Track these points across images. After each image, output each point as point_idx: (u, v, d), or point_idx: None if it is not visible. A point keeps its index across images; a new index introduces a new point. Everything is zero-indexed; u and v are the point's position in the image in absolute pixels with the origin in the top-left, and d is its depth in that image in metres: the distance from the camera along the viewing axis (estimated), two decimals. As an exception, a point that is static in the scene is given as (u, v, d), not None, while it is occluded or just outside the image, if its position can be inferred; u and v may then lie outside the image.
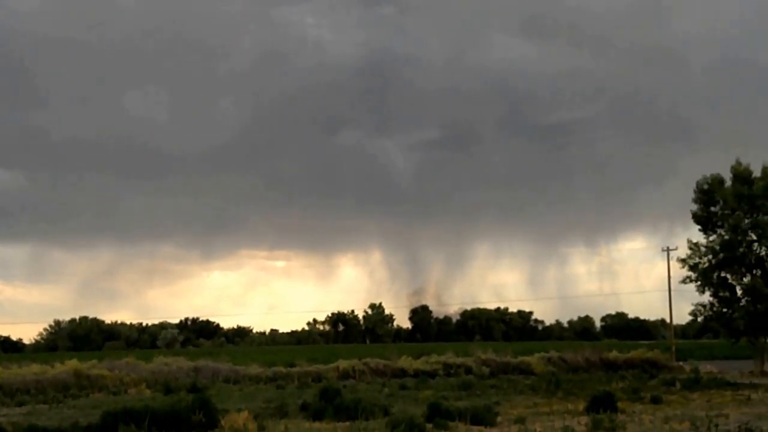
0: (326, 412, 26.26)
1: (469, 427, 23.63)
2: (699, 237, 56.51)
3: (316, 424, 24.79)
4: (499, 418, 25.45)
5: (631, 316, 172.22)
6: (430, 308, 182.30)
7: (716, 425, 21.16)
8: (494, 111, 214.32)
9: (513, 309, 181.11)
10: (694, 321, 63.81)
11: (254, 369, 54.51)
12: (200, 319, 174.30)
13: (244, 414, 23.83)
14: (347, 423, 24.65)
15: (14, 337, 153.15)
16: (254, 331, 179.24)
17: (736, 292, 55.59)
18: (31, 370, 48.68)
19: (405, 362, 57.00)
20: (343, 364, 55.05)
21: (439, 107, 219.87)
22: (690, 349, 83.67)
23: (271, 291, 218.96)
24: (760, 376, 50.49)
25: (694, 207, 56.39)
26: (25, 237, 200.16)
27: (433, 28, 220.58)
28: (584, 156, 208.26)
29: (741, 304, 54.95)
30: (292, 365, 56.28)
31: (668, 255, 69.87)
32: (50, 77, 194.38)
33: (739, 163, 55.50)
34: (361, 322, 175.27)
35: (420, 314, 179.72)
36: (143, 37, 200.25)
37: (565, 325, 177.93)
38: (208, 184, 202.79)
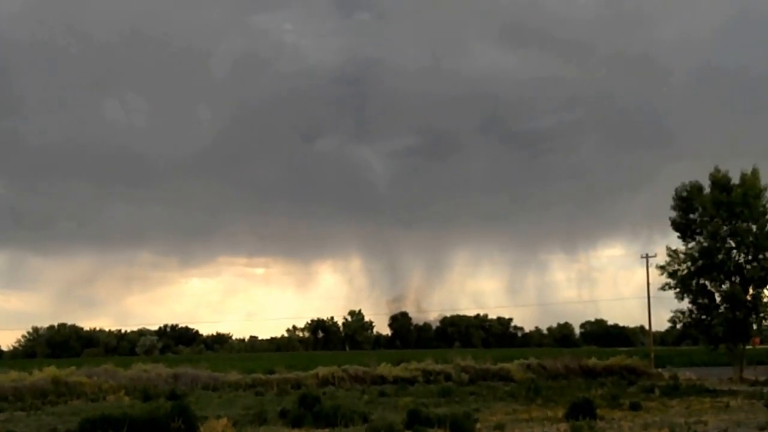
0: (305, 419, 26.19)
1: (448, 434, 23.58)
2: (678, 244, 56.83)
3: (296, 431, 24.75)
4: (478, 425, 25.42)
5: (610, 323, 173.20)
6: (410, 315, 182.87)
7: (695, 432, 21.26)
8: (473, 118, 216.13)
9: (492, 316, 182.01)
10: (673, 328, 63.89)
11: (233, 376, 54.21)
12: (179, 326, 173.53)
13: (223, 421, 23.74)
14: (326, 430, 24.67)
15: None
16: (233, 337, 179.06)
17: (714, 299, 55.78)
18: (9, 377, 48.14)
19: (384, 369, 56.81)
20: (322, 371, 54.79)
21: (418, 114, 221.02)
22: (669, 355, 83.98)
23: (251, 298, 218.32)
24: (739, 382, 50.65)
25: (673, 214, 56.61)
26: (3, 244, 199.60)
27: (411, 35, 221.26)
28: (563, 163, 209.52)
29: (720, 311, 55.10)
30: (271, 372, 56.03)
31: (647, 262, 70.29)
32: (27, 82, 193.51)
33: (717, 171, 55.77)
34: (341, 329, 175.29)
35: (399, 321, 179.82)
36: (121, 44, 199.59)
37: (545, 331, 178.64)
38: (186, 191, 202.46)
